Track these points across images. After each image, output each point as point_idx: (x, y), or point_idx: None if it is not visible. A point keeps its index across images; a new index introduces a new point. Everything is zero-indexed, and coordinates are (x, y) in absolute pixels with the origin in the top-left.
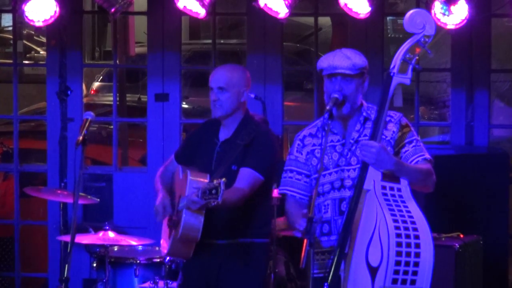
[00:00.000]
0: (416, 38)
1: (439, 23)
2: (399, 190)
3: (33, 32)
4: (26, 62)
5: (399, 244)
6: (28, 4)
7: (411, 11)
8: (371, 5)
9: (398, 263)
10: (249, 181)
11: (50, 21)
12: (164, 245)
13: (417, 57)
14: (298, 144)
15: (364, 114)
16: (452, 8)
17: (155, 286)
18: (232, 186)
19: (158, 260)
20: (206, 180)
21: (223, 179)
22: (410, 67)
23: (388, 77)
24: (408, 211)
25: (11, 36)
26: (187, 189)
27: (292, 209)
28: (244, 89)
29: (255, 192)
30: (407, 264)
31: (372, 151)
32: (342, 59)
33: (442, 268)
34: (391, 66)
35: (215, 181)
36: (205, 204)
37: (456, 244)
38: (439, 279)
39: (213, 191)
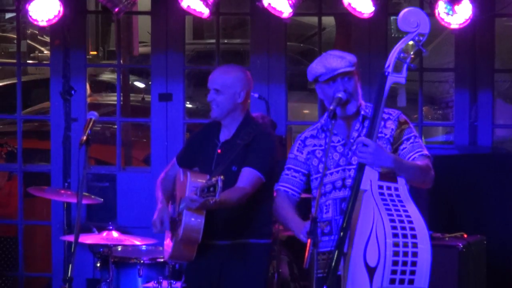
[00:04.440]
0: (410, 36)
1: (442, 23)
2: (396, 189)
3: (36, 32)
4: (30, 61)
5: (396, 244)
6: (32, 4)
7: (404, 10)
8: (374, 4)
9: (395, 263)
10: (250, 180)
11: (54, 21)
12: (167, 249)
13: (412, 56)
14: (299, 144)
15: (363, 112)
16: (456, 7)
17: (159, 286)
18: (232, 187)
19: (162, 260)
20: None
21: (221, 177)
22: (405, 66)
23: (382, 76)
24: (406, 211)
25: (14, 36)
26: (187, 190)
27: (281, 202)
28: (241, 90)
29: (256, 192)
30: (404, 264)
31: (368, 151)
32: (338, 60)
33: (446, 268)
34: (386, 65)
35: (213, 179)
36: (204, 202)
37: (460, 244)
38: (443, 279)
39: (211, 189)
